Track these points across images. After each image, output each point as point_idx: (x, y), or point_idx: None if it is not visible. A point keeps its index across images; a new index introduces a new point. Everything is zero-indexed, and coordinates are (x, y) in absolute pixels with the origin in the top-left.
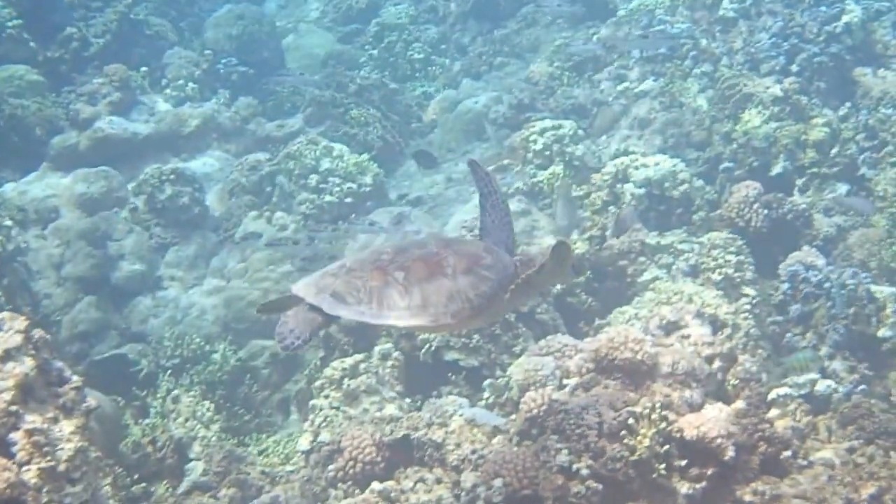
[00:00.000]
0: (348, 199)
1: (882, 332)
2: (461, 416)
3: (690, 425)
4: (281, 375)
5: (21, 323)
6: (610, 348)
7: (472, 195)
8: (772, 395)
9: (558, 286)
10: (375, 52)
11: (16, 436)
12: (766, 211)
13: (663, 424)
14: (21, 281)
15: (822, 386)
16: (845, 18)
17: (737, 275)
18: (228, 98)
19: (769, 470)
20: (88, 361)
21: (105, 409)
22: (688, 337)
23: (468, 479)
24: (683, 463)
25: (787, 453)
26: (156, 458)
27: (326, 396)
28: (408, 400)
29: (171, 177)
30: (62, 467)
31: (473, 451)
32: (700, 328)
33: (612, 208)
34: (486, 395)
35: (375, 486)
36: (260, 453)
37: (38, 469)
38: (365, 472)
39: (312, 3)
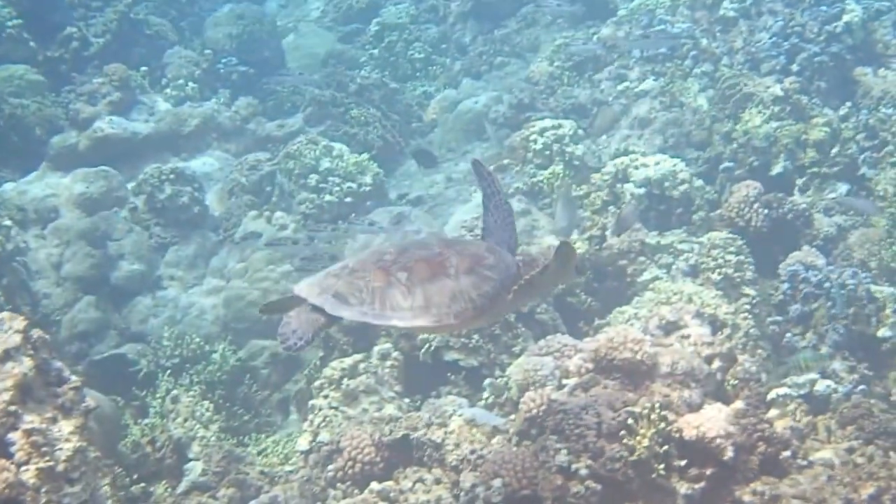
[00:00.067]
0: (348, 199)
1: (882, 332)
2: (460, 416)
3: (689, 425)
4: (280, 375)
5: (20, 323)
6: (609, 348)
7: (473, 195)
8: (771, 396)
9: (559, 286)
10: (376, 51)
11: (14, 436)
12: (766, 211)
13: (662, 425)
14: (20, 281)
15: (822, 386)
16: (846, 18)
17: (737, 275)
18: (228, 98)
19: (768, 470)
20: (88, 361)
21: (104, 409)
22: (687, 337)
23: (467, 479)
24: (682, 463)
25: (787, 453)
26: (155, 458)
27: (326, 396)
28: (407, 400)
29: (171, 176)
30: (61, 467)
31: (472, 452)
32: (699, 328)
33: (612, 208)
34: (485, 394)
35: (374, 486)
36: (259, 453)
37: (37, 469)
38: (364, 472)
39: (313, 3)
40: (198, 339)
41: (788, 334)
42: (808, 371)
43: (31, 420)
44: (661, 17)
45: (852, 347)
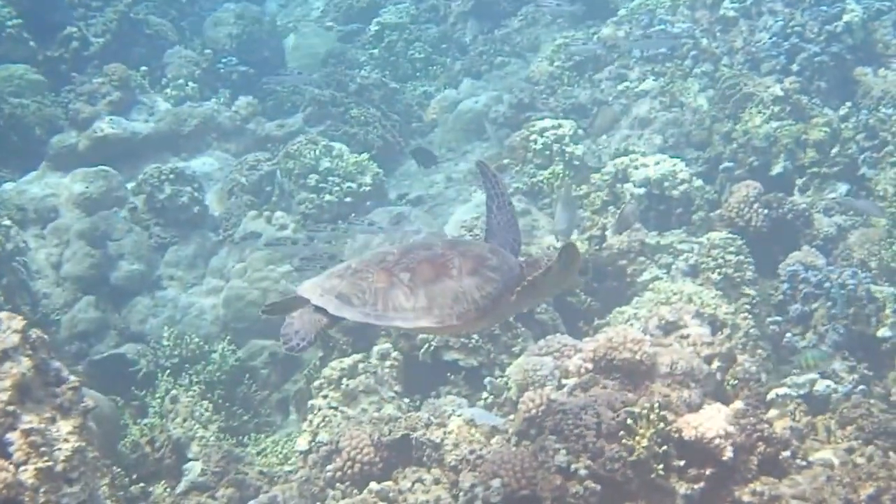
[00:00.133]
0: (348, 199)
1: (882, 332)
2: (460, 416)
3: (689, 426)
4: (280, 375)
5: (18, 323)
6: (609, 348)
7: (472, 195)
8: (771, 396)
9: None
10: (376, 51)
11: (13, 436)
12: (766, 211)
13: (662, 425)
14: (20, 280)
15: (822, 386)
16: (846, 18)
17: (736, 275)
18: (228, 97)
19: (768, 470)
20: (87, 361)
21: (103, 409)
22: (687, 337)
23: (466, 479)
24: (682, 463)
25: (786, 453)
26: (154, 458)
27: (325, 396)
28: (406, 400)
29: (171, 176)
30: (59, 467)
31: (472, 452)
32: (699, 328)
33: (611, 208)
34: (485, 394)
35: (373, 486)
36: (258, 453)
37: (35, 469)
38: (363, 472)
39: (313, 3)
40: (197, 339)
41: (788, 334)
42: (814, 370)
43: (29, 420)
44: (662, 16)
45: (852, 347)
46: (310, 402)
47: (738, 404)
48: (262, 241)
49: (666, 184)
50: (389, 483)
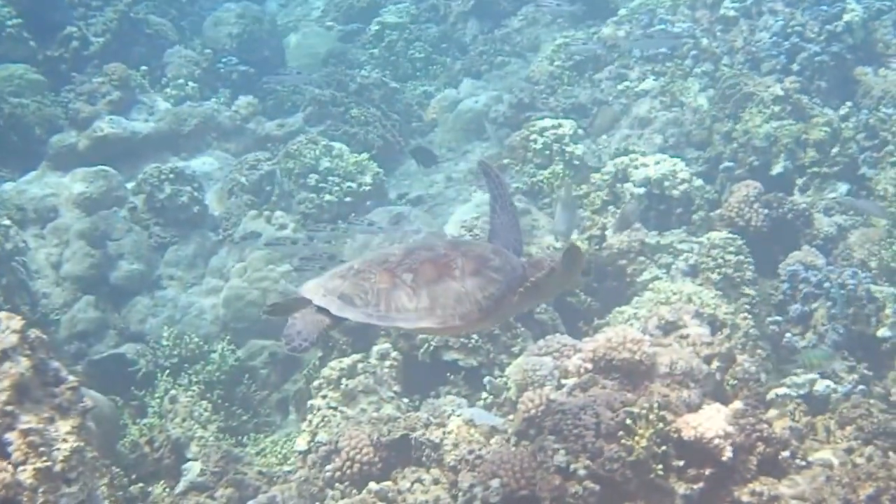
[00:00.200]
0: (348, 199)
1: (882, 332)
2: (459, 416)
3: (688, 426)
4: (279, 375)
5: (17, 322)
6: (608, 348)
7: (472, 195)
8: (770, 396)
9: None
10: (376, 51)
11: (11, 436)
12: (766, 210)
13: (661, 425)
14: (20, 280)
15: (821, 386)
16: (846, 17)
17: (736, 275)
18: (228, 97)
19: (767, 470)
20: (87, 361)
21: (102, 409)
22: (686, 337)
23: (465, 479)
24: (681, 463)
25: (786, 454)
26: (153, 458)
27: (324, 396)
28: (406, 400)
29: (171, 176)
30: (58, 467)
31: (471, 452)
32: (699, 328)
33: (612, 208)
34: (484, 394)
35: (373, 486)
36: (257, 453)
37: (34, 469)
38: (362, 472)
39: (313, 2)
40: (197, 339)
41: (788, 334)
42: (817, 369)
43: (28, 420)
44: (662, 16)
45: (852, 347)
46: (309, 402)
47: (738, 404)
48: (261, 240)
49: (666, 183)
50: (389, 483)
